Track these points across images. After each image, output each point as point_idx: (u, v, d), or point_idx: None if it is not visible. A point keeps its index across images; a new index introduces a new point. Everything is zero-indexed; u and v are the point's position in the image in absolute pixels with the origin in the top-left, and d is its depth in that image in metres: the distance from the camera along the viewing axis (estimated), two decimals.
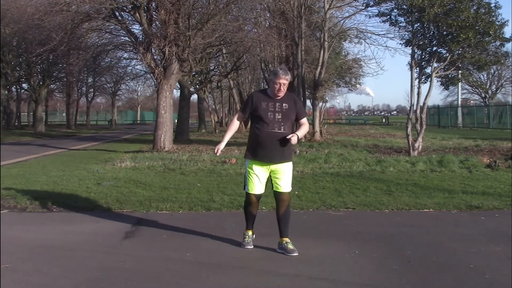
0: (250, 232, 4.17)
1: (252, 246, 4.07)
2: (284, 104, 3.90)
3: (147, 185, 7.46)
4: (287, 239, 3.97)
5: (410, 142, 11.54)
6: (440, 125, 34.98)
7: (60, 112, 63.19)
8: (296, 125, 4.11)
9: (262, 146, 3.87)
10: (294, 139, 3.80)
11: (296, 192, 6.79)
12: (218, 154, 4.15)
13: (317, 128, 18.39)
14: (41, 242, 4.36)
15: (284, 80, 3.83)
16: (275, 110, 3.87)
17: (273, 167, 3.95)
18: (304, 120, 4.07)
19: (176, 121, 21.41)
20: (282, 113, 3.87)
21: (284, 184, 3.99)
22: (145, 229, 4.85)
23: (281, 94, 3.88)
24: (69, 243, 4.30)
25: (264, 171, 3.97)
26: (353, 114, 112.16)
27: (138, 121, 66.10)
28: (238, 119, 4.16)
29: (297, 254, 3.85)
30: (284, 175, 3.97)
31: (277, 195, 4.03)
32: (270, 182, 4.07)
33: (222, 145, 4.09)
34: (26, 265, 3.70)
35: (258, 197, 4.05)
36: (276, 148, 3.86)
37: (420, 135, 11.71)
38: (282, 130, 3.86)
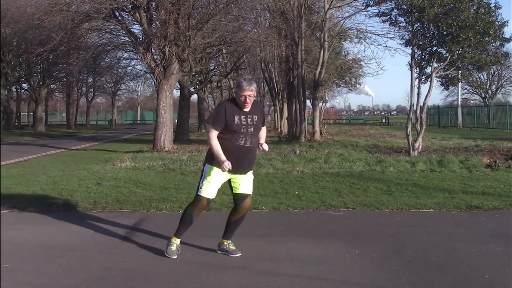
0: (178, 240, 3.92)
1: (177, 256, 3.82)
2: (254, 117, 3.79)
3: (147, 185, 7.46)
4: (229, 241, 3.98)
5: (410, 142, 11.54)
6: (440, 125, 34.98)
7: (60, 112, 63.21)
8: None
9: (232, 159, 3.69)
10: (266, 147, 3.87)
11: (296, 192, 6.80)
12: (229, 168, 3.79)
13: (317, 128, 18.39)
14: (41, 242, 4.36)
15: (249, 92, 3.68)
16: (247, 124, 3.75)
17: (234, 175, 3.83)
18: (264, 128, 4.03)
19: (176, 121, 21.42)
20: (254, 126, 3.78)
21: (247, 186, 3.88)
22: (145, 229, 4.85)
23: (248, 106, 3.74)
24: (69, 243, 4.30)
25: (224, 178, 3.84)
26: (353, 114, 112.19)
27: (138, 121, 66.09)
28: (215, 135, 3.78)
29: (240, 254, 3.85)
30: (249, 179, 3.91)
31: (239, 198, 3.88)
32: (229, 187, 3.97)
33: (225, 158, 3.74)
34: (26, 265, 3.70)
35: (209, 202, 3.90)
36: (246, 160, 3.79)
37: (420, 135, 11.71)
38: (252, 144, 3.79)
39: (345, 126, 39.17)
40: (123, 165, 9.91)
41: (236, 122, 3.72)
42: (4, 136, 22.00)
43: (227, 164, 3.66)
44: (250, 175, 3.92)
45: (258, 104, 4.00)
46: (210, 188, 3.81)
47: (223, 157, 3.69)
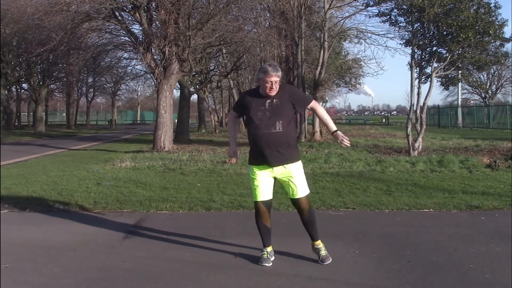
0: (268, 248, 3.74)
1: (270, 264, 3.65)
2: (274, 100, 3.53)
3: (147, 185, 7.46)
4: (318, 243, 3.74)
5: (410, 142, 11.54)
6: (440, 125, 34.97)
7: (60, 112, 63.22)
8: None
9: (259, 149, 3.54)
10: (346, 142, 3.56)
11: None
12: (235, 161, 3.80)
13: (317, 128, 18.39)
14: (41, 242, 4.36)
15: (275, 78, 3.47)
16: (265, 109, 3.53)
17: (278, 170, 3.58)
18: (313, 104, 3.70)
19: (176, 121, 21.42)
20: (272, 110, 3.51)
21: (298, 188, 3.61)
22: (145, 229, 4.85)
23: (273, 92, 3.52)
24: (69, 243, 4.30)
25: (268, 176, 3.61)
26: (353, 114, 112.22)
27: (138, 121, 66.10)
28: (233, 118, 3.91)
29: (330, 261, 3.64)
30: (293, 178, 3.60)
31: (294, 203, 3.69)
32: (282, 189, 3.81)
33: (235, 148, 3.80)
34: (26, 265, 3.70)
35: (267, 204, 3.64)
36: (274, 150, 3.50)
37: (420, 135, 11.71)
38: (277, 129, 3.50)
39: (345, 126, 39.16)
40: (123, 165, 9.92)
41: (253, 108, 3.57)
42: (4, 136, 22.00)
43: (233, 154, 3.76)
44: (297, 171, 3.62)
45: (285, 87, 3.67)
46: (260, 191, 3.60)
47: (232, 145, 3.79)
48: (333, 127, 3.69)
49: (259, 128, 3.52)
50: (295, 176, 3.61)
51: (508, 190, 6.74)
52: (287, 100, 3.56)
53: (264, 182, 3.60)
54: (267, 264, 3.63)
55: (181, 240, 4.39)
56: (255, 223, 3.73)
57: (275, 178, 3.65)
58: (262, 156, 3.54)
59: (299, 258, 3.82)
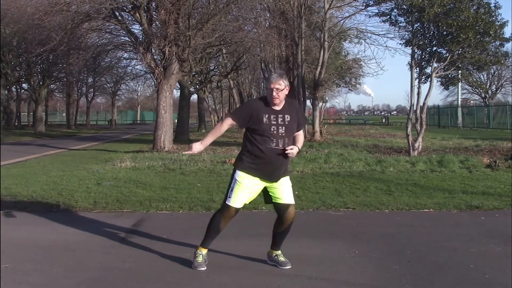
0: (205, 251, 3.65)
1: (205, 268, 3.54)
2: (286, 116, 3.47)
3: (147, 185, 7.46)
4: (278, 252, 3.69)
5: (410, 142, 11.54)
6: (440, 125, 34.97)
7: (60, 112, 63.22)
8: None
9: (265, 164, 3.44)
10: (294, 151, 3.44)
11: (296, 192, 6.78)
12: (190, 153, 3.63)
13: (317, 128, 18.38)
14: (41, 242, 4.36)
15: (277, 85, 3.39)
16: (277, 124, 3.43)
17: (269, 183, 3.53)
18: (301, 132, 3.68)
19: (176, 121, 21.42)
20: (286, 126, 3.45)
21: (288, 194, 3.55)
22: (145, 229, 4.85)
23: (277, 101, 3.44)
24: (69, 243, 4.30)
25: (257, 187, 3.52)
26: (353, 114, 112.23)
27: (138, 121, 66.10)
28: (226, 125, 3.63)
29: (290, 266, 3.58)
30: (287, 186, 3.58)
31: (281, 209, 3.54)
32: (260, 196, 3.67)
33: (199, 146, 3.58)
34: (26, 265, 3.70)
35: (237, 211, 3.56)
36: (280, 166, 3.47)
37: (420, 135, 11.71)
38: (285, 146, 3.46)
39: (345, 126, 39.18)
40: (123, 165, 9.91)
41: (265, 121, 3.42)
42: (4, 136, 22.00)
43: (192, 149, 3.55)
44: (287, 182, 3.59)
45: (292, 102, 3.65)
46: (239, 198, 3.48)
47: (203, 143, 3.59)
48: (299, 146, 3.58)
49: (271, 143, 3.42)
50: (288, 184, 3.59)
51: (508, 190, 6.74)
52: (296, 118, 3.54)
53: (249, 192, 3.50)
54: (202, 269, 3.52)
55: (181, 240, 4.38)
56: (212, 219, 3.59)
57: (264, 188, 3.57)
58: (265, 171, 3.45)
59: (299, 258, 3.82)
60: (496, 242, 4.25)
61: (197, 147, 3.59)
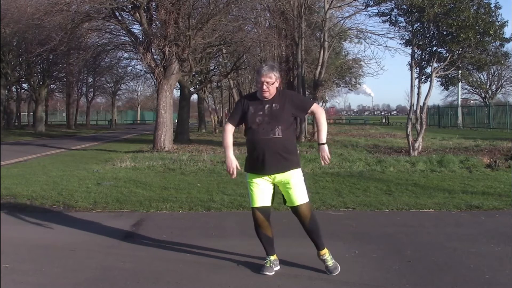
0: (272, 257, 3.55)
1: (273, 273, 3.48)
2: (274, 105, 3.36)
3: (147, 185, 7.47)
4: (324, 253, 3.50)
5: (410, 142, 11.54)
6: (440, 125, 34.96)
7: (60, 112, 63.24)
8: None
9: (257, 156, 3.36)
10: (326, 160, 3.41)
11: None
12: (235, 176, 3.50)
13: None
14: (41, 242, 4.36)
15: (267, 78, 3.30)
16: (264, 114, 3.35)
17: (277, 178, 3.40)
18: (314, 108, 3.48)
19: (176, 121, 21.41)
20: (271, 114, 3.34)
21: (296, 195, 3.39)
22: (145, 229, 4.85)
23: (267, 94, 3.35)
24: (69, 243, 4.30)
25: (266, 182, 3.43)
26: (353, 114, 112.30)
27: (138, 121, 66.12)
28: (229, 132, 3.52)
29: (337, 272, 3.43)
30: (291, 184, 3.40)
31: (294, 211, 3.45)
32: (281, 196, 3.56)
33: (233, 162, 3.42)
34: (26, 265, 3.70)
35: (265, 212, 3.43)
36: (272, 156, 3.33)
37: (420, 135, 11.71)
38: (277, 135, 3.33)
39: (345, 126, 39.16)
40: (123, 165, 9.92)
41: (250, 114, 3.38)
42: (4, 136, 22.01)
43: (231, 168, 3.41)
44: (296, 179, 3.41)
45: (284, 92, 3.52)
46: (257, 196, 3.41)
47: (229, 155, 3.43)
48: (323, 138, 3.48)
49: (258, 134, 3.35)
50: (293, 182, 3.40)
51: (508, 190, 6.75)
52: (287, 105, 3.40)
53: (261, 187, 3.42)
54: (268, 273, 3.46)
55: (181, 240, 4.39)
56: (255, 232, 3.53)
57: (274, 185, 3.47)
58: (260, 164, 3.36)
59: (299, 258, 3.82)
60: (496, 242, 4.25)
61: (233, 162, 3.43)
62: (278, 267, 3.57)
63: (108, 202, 6.13)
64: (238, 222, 5.02)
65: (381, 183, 7.50)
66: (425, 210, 5.69)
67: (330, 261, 3.49)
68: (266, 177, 3.42)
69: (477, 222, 5.08)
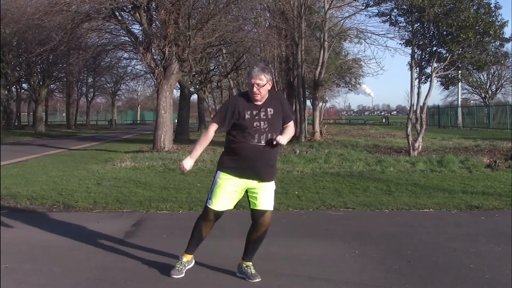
0: (187, 258, 3.46)
1: (183, 275, 3.38)
2: (269, 110, 3.24)
3: (147, 185, 7.46)
4: (248, 263, 3.43)
5: (410, 142, 11.54)
6: (440, 125, 34.96)
7: (60, 112, 63.23)
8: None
9: (246, 162, 3.21)
10: (282, 140, 3.15)
11: (296, 192, 6.79)
12: (186, 171, 3.41)
13: (317, 128, 18.39)
14: (41, 242, 4.36)
15: (258, 80, 3.17)
16: (260, 118, 3.20)
17: (252, 184, 3.27)
18: (290, 124, 3.40)
19: (176, 121, 21.42)
20: (268, 121, 3.22)
21: (268, 200, 3.30)
22: (145, 229, 4.85)
23: (258, 97, 3.22)
24: (69, 243, 4.30)
25: (239, 188, 3.29)
26: (353, 114, 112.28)
27: (138, 121, 66.11)
28: (212, 132, 3.37)
29: (259, 279, 3.33)
30: (268, 190, 3.30)
31: (257, 214, 3.30)
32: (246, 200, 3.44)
33: (189, 163, 3.35)
34: (26, 265, 3.70)
35: (218, 215, 3.36)
36: (262, 163, 3.22)
37: (420, 135, 11.71)
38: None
39: (345, 126, 39.18)
40: (123, 165, 9.91)
41: (246, 118, 3.20)
42: (4, 136, 22.00)
43: (185, 170, 3.34)
44: (271, 187, 3.34)
45: (276, 94, 3.40)
46: (220, 200, 3.28)
47: (192, 156, 3.35)
48: (285, 140, 3.24)
49: (254, 140, 3.19)
50: (270, 188, 3.32)
51: (508, 190, 6.75)
52: (280, 111, 3.30)
53: (231, 192, 3.28)
54: (176, 276, 3.36)
55: (181, 240, 4.37)
56: (195, 224, 3.47)
57: (246, 191, 3.34)
58: (247, 169, 3.22)
59: (299, 258, 3.82)
60: (496, 242, 4.25)
61: (188, 164, 3.35)
62: (191, 265, 3.48)
63: (108, 202, 6.13)
64: (238, 222, 5.02)
65: (381, 183, 7.50)
66: (425, 210, 5.69)
67: (253, 269, 3.41)
68: (242, 182, 3.27)
69: (477, 222, 5.08)
